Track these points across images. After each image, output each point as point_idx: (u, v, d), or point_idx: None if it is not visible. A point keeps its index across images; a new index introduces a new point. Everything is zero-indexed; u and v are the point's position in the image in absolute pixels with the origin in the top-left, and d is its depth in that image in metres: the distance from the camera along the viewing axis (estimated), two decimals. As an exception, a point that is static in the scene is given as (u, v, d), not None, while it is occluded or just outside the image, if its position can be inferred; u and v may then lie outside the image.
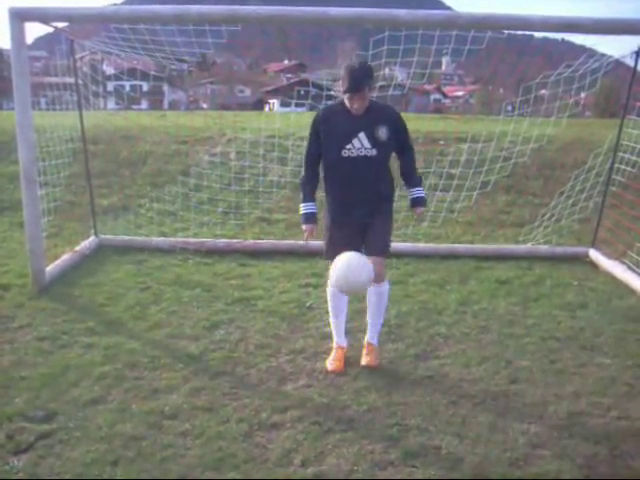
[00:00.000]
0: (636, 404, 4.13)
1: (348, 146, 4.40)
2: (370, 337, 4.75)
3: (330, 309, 4.82)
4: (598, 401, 4.16)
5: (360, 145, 4.39)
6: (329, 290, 4.75)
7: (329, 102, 7.63)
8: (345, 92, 4.28)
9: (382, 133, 4.38)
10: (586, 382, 4.45)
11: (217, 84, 65.75)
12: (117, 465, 3.32)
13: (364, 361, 4.63)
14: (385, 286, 4.67)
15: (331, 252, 4.54)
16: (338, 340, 4.80)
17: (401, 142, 4.56)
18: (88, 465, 3.32)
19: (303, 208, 4.67)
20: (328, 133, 4.46)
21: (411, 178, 4.74)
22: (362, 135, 4.37)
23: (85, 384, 4.23)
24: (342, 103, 4.45)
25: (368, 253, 4.47)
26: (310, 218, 4.64)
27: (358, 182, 4.45)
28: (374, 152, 4.39)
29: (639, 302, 6.25)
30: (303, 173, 4.76)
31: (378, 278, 4.43)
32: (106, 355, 4.71)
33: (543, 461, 3.46)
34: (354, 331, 5.19)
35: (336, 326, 4.83)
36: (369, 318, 4.75)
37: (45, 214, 6.71)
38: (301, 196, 4.72)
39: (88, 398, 4.03)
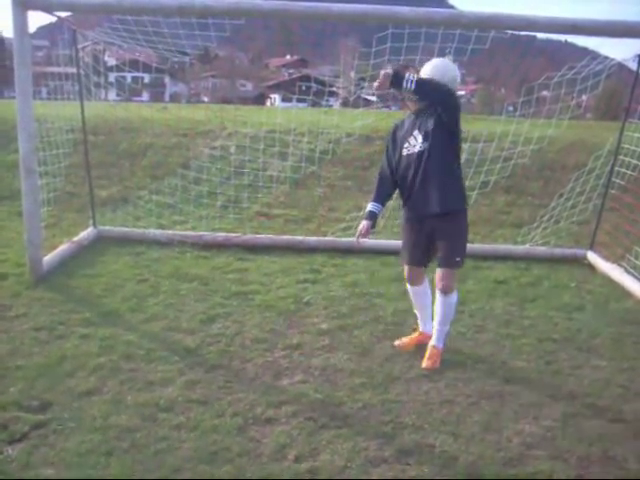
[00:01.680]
0: (631, 407, 4.13)
1: (406, 145, 4.54)
2: (435, 340, 4.73)
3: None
4: (593, 403, 4.16)
5: (415, 142, 4.49)
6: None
7: (331, 98, 7.61)
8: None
9: (429, 124, 4.42)
10: (581, 384, 4.45)
11: (219, 78, 65.62)
12: (111, 456, 3.32)
13: (424, 364, 4.61)
14: (452, 298, 4.64)
15: (402, 254, 4.91)
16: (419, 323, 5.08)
17: (446, 126, 4.42)
18: (82, 455, 3.32)
19: (368, 205, 4.77)
20: (395, 138, 4.68)
21: None
22: (416, 132, 4.49)
23: (80, 375, 4.23)
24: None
25: (437, 264, 4.58)
26: (369, 216, 4.71)
27: (416, 178, 4.50)
28: (426, 145, 4.43)
29: (636, 305, 6.26)
30: (377, 176, 4.85)
31: (445, 289, 4.54)
32: (102, 346, 4.71)
33: (537, 461, 3.46)
34: (361, 328, 5.19)
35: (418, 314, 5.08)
36: (435, 324, 4.73)
37: (44, 204, 6.71)
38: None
39: (83, 389, 4.03)
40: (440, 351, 4.69)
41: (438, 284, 4.56)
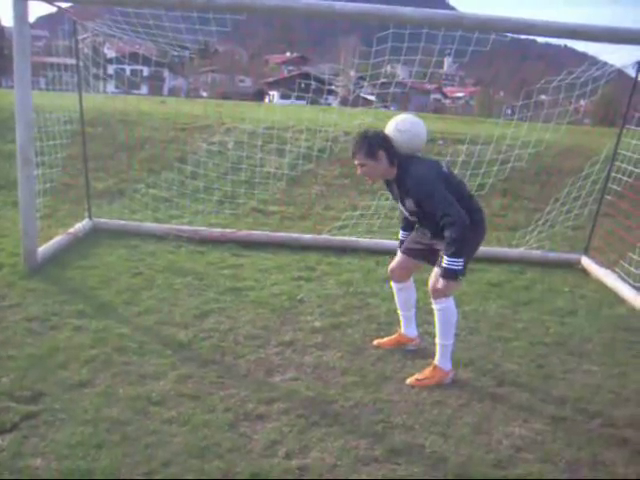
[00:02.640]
0: (621, 412, 4.15)
1: (398, 204, 4.54)
2: (435, 358, 4.48)
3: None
4: (583, 407, 4.18)
5: (404, 209, 4.46)
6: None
7: (329, 96, 7.63)
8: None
9: (410, 204, 4.30)
10: (572, 388, 4.47)
11: (218, 73, 65.55)
12: (101, 448, 3.32)
13: (408, 380, 4.40)
14: (443, 303, 4.34)
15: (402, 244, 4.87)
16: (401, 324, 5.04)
17: (429, 209, 4.17)
18: (72, 447, 3.31)
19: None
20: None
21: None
22: (400, 204, 4.48)
23: (73, 366, 4.22)
24: None
25: (433, 263, 4.46)
26: (399, 245, 4.89)
27: (417, 228, 4.63)
28: (415, 218, 4.45)
29: (628, 311, 6.28)
30: None
31: (432, 291, 4.34)
32: (95, 338, 4.70)
33: (526, 464, 3.48)
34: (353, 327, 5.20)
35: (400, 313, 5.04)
36: (436, 339, 4.50)
37: (40, 194, 6.70)
38: None
39: (75, 381, 4.03)
40: (439, 372, 4.41)
41: (430, 287, 4.36)
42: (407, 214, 4.47)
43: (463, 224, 4.01)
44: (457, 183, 4.37)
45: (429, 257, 4.55)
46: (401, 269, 4.82)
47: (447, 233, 4.03)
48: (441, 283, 4.20)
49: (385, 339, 5.03)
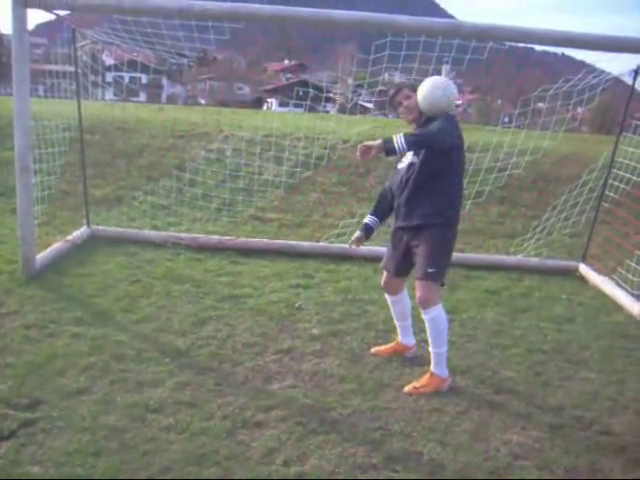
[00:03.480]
0: (618, 420, 4.16)
1: (403, 157, 4.55)
2: (431, 365, 4.48)
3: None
4: (581, 415, 4.18)
5: (408, 154, 4.47)
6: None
7: (328, 104, 7.68)
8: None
9: (418, 160, 4.42)
10: (570, 395, 4.47)
11: (216, 80, 65.62)
12: (99, 456, 3.32)
13: (407, 387, 4.42)
14: (431, 313, 4.38)
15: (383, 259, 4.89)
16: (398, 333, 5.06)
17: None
18: (70, 455, 3.31)
19: (366, 217, 4.87)
20: None
21: None
22: (406, 163, 4.52)
23: (71, 374, 4.22)
24: None
25: (416, 274, 4.46)
26: (364, 227, 4.81)
27: (404, 190, 4.50)
28: (415, 159, 4.41)
29: (626, 318, 6.29)
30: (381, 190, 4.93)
31: (420, 302, 4.38)
32: (93, 346, 4.70)
33: (524, 471, 3.48)
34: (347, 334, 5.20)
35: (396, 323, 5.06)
36: (430, 348, 4.51)
37: (38, 202, 6.70)
38: None
39: (73, 388, 4.03)
40: (436, 380, 4.42)
41: (417, 298, 4.38)
42: (410, 160, 4.45)
43: (436, 140, 4.20)
44: (462, 162, 4.59)
45: (406, 266, 4.64)
46: (389, 285, 4.86)
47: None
48: (421, 277, 4.37)
49: (383, 347, 5.04)
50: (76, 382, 4.11)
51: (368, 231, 4.80)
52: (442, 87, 4.36)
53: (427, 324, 4.43)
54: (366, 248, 7.77)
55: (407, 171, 4.46)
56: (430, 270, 4.32)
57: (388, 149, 4.04)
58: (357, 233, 4.80)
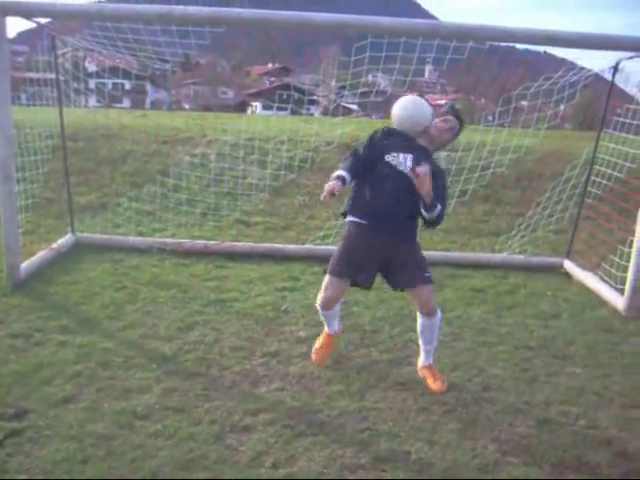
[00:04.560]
0: (604, 414, 4.20)
1: (393, 154, 4.30)
2: (430, 359, 4.59)
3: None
4: (568, 410, 4.22)
5: (403, 161, 4.27)
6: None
7: (311, 106, 7.67)
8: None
9: (424, 161, 4.21)
10: (556, 391, 4.51)
11: (200, 85, 65.46)
12: (87, 464, 3.32)
13: (436, 387, 4.41)
14: (438, 317, 4.45)
15: (337, 266, 4.46)
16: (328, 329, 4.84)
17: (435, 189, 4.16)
18: (58, 463, 3.31)
19: (339, 170, 4.23)
20: (375, 141, 4.43)
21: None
22: (407, 154, 4.29)
23: (57, 382, 4.21)
24: None
25: (408, 285, 4.37)
26: (339, 177, 4.15)
27: (392, 193, 4.25)
28: (410, 172, 4.18)
29: (611, 313, 6.34)
30: (351, 153, 4.45)
31: (431, 312, 4.38)
32: (79, 354, 4.68)
33: (511, 467, 3.51)
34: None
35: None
36: (423, 345, 4.56)
37: (22, 210, 6.67)
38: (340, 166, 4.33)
39: (60, 396, 4.02)
40: (436, 369, 4.59)
41: (423, 308, 4.35)
42: (405, 167, 4.26)
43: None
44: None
45: (374, 276, 4.51)
46: (337, 299, 4.63)
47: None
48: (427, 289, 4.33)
49: (320, 354, 4.85)
50: (63, 390, 4.10)
51: (344, 182, 4.17)
52: (421, 102, 4.44)
53: (431, 329, 4.47)
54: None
55: (400, 175, 4.21)
56: (427, 274, 4.35)
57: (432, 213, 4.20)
58: (332, 182, 4.11)
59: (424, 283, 4.33)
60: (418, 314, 4.43)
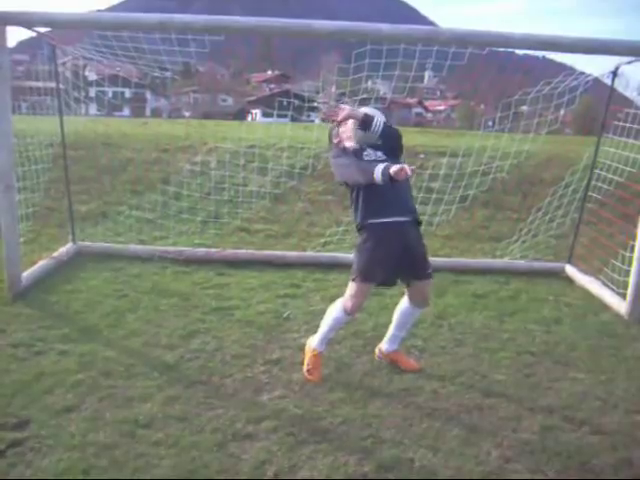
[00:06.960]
0: (609, 419, 4.18)
1: (365, 153, 4.51)
2: (397, 345, 4.91)
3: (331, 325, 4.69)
4: (571, 415, 4.19)
5: (375, 155, 4.50)
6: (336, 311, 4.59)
7: (312, 113, 7.71)
8: None
9: (381, 149, 4.53)
10: (560, 396, 4.49)
11: (200, 93, 65.61)
12: (89, 474, 3.30)
13: (411, 365, 4.85)
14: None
15: (370, 272, 4.42)
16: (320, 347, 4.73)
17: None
18: (60, 473, 3.29)
19: (380, 166, 4.15)
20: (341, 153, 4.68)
21: None
22: (370, 150, 4.52)
23: (59, 392, 4.20)
24: None
25: (418, 278, 4.52)
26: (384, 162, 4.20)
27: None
28: (388, 160, 4.37)
29: (613, 318, 6.32)
30: (354, 161, 4.48)
31: (428, 304, 4.81)
32: (81, 363, 4.67)
33: (515, 474, 3.48)
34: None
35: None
36: (397, 332, 4.83)
37: (22, 220, 6.67)
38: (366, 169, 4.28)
39: (61, 406, 4.00)
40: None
41: (423, 301, 4.63)
42: (382, 158, 4.45)
43: None
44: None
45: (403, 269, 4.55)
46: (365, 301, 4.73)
47: None
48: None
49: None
50: (64, 400, 4.09)
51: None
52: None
53: (414, 316, 4.81)
54: (351, 256, 7.77)
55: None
56: (430, 269, 4.55)
57: (365, 123, 4.31)
58: (402, 165, 4.01)
59: (429, 278, 4.54)
60: (409, 304, 4.64)
